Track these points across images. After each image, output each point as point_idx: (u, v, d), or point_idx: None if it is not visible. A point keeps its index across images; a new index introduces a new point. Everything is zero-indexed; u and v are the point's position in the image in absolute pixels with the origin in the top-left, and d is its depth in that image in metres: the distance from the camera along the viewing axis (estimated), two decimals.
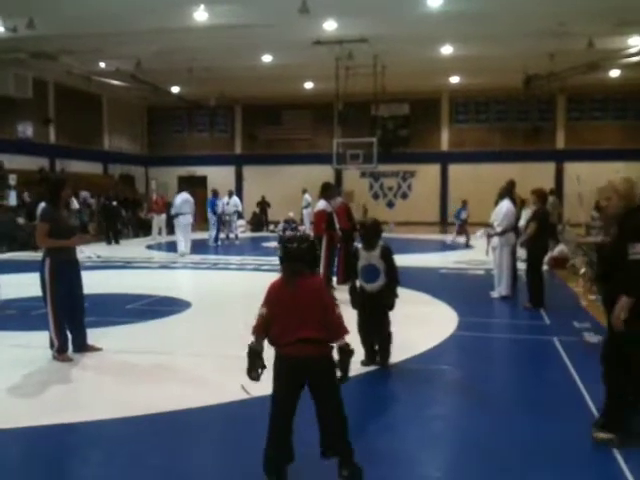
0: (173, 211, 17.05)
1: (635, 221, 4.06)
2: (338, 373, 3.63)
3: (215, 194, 21.05)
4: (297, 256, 3.65)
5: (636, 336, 4.07)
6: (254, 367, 3.70)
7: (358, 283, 6.00)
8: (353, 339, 4.00)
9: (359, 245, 6.12)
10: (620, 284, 4.05)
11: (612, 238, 4.30)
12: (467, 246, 19.24)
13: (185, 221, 16.53)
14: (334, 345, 3.63)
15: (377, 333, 5.99)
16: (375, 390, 5.55)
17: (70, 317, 6.46)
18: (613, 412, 4.24)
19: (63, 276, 6.34)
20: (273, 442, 3.63)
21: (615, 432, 4.16)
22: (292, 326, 3.58)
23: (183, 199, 16.69)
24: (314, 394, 3.66)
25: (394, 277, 5.93)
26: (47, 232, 6.29)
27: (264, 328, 3.68)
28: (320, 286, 3.78)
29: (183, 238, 16.51)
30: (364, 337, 5.94)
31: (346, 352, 3.62)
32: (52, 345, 6.39)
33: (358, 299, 5.97)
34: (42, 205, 19.41)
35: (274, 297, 3.68)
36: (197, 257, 16.04)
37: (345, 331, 3.66)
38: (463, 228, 19.90)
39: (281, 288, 3.69)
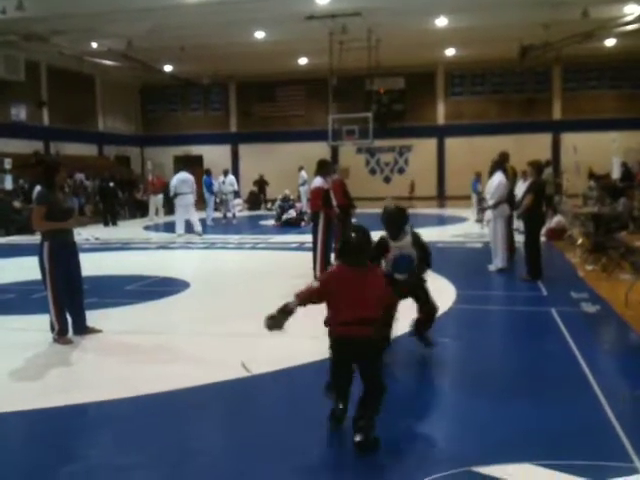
0: (171, 192, 16.78)
1: None
2: None
3: (208, 173, 20.92)
4: (360, 248, 3.98)
5: None
6: (276, 319, 3.96)
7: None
8: None
9: (385, 234, 5.58)
10: None
11: None
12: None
13: (184, 201, 16.27)
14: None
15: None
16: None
17: (69, 300, 6.48)
18: None
19: (61, 259, 6.34)
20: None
21: None
22: (352, 309, 3.89)
23: (180, 179, 16.47)
24: (360, 368, 4.00)
25: (428, 263, 5.65)
26: (44, 215, 6.28)
27: (308, 299, 4.02)
28: (380, 276, 4.24)
29: (182, 219, 16.28)
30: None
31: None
32: (52, 328, 6.41)
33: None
34: (38, 188, 19.28)
35: (335, 282, 3.99)
36: (195, 237, 15.99)
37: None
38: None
39: (342, 275, 3.99)
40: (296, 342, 5.69)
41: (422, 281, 5.73)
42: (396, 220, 5.53)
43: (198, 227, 16.22)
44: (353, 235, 3.99)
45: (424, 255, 5.57)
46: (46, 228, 6.32)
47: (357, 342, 3.88)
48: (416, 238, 5.56)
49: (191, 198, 16.46)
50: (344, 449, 3.91)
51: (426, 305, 5.77)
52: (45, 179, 6.51)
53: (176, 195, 16.47)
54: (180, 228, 16.22)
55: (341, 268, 4.03)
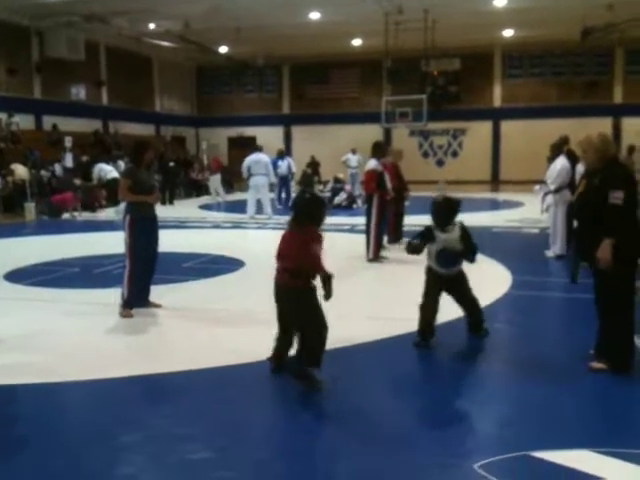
0: (244, 174, 16.49)
1: (613, 171, 4.62)
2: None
3: (281, 154, 20.45)
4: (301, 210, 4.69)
5: (617, 273, 4.55)
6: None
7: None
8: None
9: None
10: (604, 227, 4.52)
11: (593, 186, 4.70)
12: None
13: (254, 182, 16.08)
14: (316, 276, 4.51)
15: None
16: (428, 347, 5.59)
17: (143, 273, 6.72)
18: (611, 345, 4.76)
19: (142, 233, 6.61)
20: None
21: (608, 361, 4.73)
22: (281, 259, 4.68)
23: (252, 160, 16.20)
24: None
25: (472, 260, 5.56)
26: (129, 187, 6.59)
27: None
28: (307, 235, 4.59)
29: (253, 200, 16.16)
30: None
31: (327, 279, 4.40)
32: (122, 299, 6.63)
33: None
34: (98, 166, 19.58)
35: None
36: (246, 217, 16.12)
37: (321, 269, 4.43)
38: None
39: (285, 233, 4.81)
40: (353, 323, 5.75)
41: (464, 277, 5.61)
42: (444, 212, 5.44)
43: (268, 208, 16.18)
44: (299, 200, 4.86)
45: (468, 252, 5.47)
46: (129, 199, 6.65)
47: (282, 288, 4.63)
48: (464, 233, 5.46)
49: (262, 179, 16.18)
50: (398, 425, 3.94)
51: (467, 300, 5.63)
52: (134, 156, 6.91)
53: (249, 176, 16.25)
54: (251, 210, 16.13)
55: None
